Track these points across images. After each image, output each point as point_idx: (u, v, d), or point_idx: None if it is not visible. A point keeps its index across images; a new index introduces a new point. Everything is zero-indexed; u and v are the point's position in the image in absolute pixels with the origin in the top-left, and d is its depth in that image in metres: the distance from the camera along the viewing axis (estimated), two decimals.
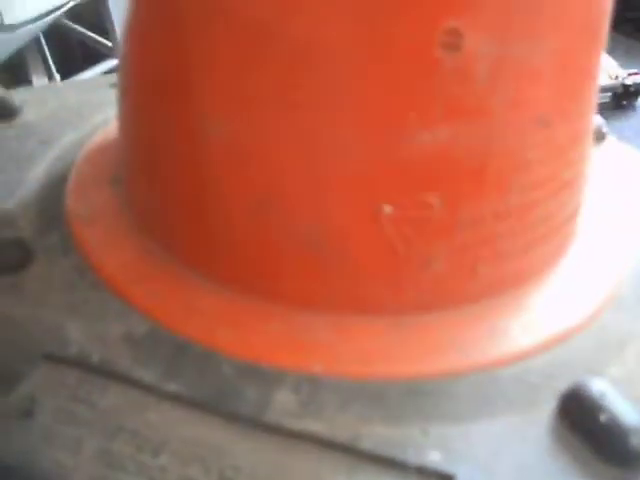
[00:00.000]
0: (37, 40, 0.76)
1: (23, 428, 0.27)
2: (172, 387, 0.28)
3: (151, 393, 0.28)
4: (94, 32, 0.98)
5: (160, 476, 0.26)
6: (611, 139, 0.47)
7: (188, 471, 0.26)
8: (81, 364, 0.29)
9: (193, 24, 0.29)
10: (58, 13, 0.75)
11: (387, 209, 0.28)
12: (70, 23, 0.78)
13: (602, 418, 0.26)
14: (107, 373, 0.29)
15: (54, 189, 0.39)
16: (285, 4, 0.27)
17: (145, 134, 0.34)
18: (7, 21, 0.69)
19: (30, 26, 0.71)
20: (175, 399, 0.28)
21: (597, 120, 0.48)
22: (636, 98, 1.42)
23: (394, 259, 0.29)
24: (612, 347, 0.31)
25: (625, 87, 1.40)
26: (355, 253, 0.29)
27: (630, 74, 1.42)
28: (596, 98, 0.34)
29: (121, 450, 0.26)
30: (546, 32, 0.28)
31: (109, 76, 0.59)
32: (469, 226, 0.29)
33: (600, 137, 0.46)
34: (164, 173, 0.33)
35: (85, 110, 0.48)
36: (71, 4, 0.75)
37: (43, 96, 0.49)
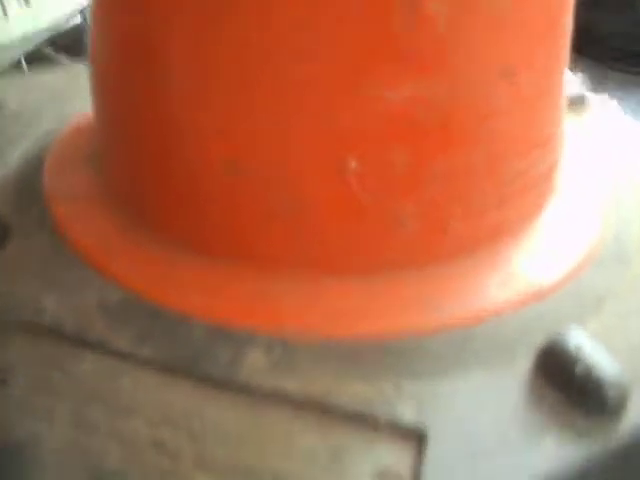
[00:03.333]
0: (17, 67, 0.76)
1: None
2: (145, 352, 0.28)
3: (124, 359, 0.28)
4: (75, 59, 0.98)
5: (130, 439, 0.26)
6: (594, 104, 0.47)
7: (159, 433, 0.26)
8: (55, 332, 0.29)
9: None
10: (41, 40, 0.75)
11: (352, 164, 0.28)
12: (51, 51, 0.78)
13: (578, 370, 0.26)
14: (81, 341, 0.29)
15: (32, 169, 0.39)
16: None
17: (112, 104, 0.34)
18: None
19: (10, 51, 0.71)
20: (148, 364, 0.28)
21: (578, 86, 0.48)
22: None
23: (362, 217, 0.29)
24: (590, 303, 0.31)
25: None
26: (323, 212, 0.29)
27: None
28: (567, 54, 0.33)
29: (94, 415, 0.26)
30: None
31: None
32: (437, 181, 0.29)
33: (581, 102, 0.46)
34: (132, 143, 0.33)
35: (67, 96, 0.48)
36: (54, 31, 0.76)
37: (25, 84, 0.50)
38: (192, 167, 0.30)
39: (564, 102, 0.35)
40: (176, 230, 0.32)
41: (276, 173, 0.29)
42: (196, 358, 0.28)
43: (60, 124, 0.44)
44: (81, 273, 0.32)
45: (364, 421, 0.26)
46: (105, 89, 0.34)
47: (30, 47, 0.73)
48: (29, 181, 0.38)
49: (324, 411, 0.26)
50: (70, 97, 0.48)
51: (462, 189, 0.30)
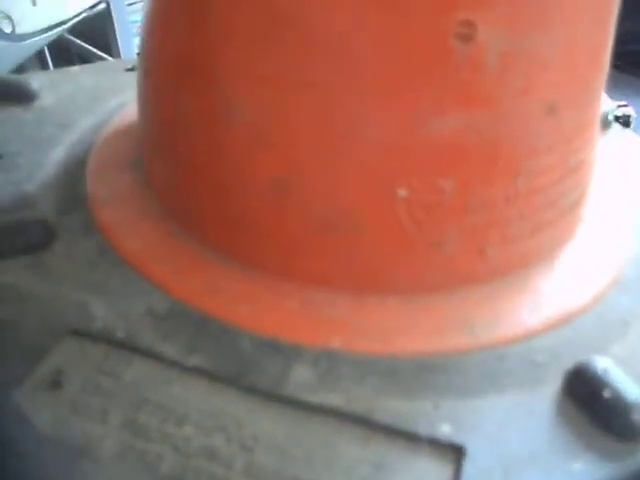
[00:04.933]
0: (39, 54, 0.77)
1: (52, 399, 0.28)
2: (194, 361, 0.29)
3: (173, 367, 0.29)
4: (96, 48, 0.99)
5: (184, 445, 0.27)
6: (617, 126, 0.49)
7: (211, 441, 0.27)
8: (106, 339, 0.30)
9: (214, 6, 0.30)
10: (65, 27, 0.76)
11: (402, 193, 0.29)
12: (72, 38, 0.79)
13: (606, 394, 0.27)
14: (131, 347, 0.30)
15: (74, 172, 0.40)
16: None
17: (166, 116, 0.35)
18: (19, 30, 0.70)
19: (38, 38, 0.72)
20: (196, 373, 0.29)
21: (604, 107, 0.49)
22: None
23: (406, 241, 0.30)
24: (615, 327, 0.32)
25: (616, 119, 1.40)
26: (370, 235, 0.30)
27: (619, 106, 1.42)
28: (603, 87, 0.35)
29: (146, 421, 0.28)
30: (555, 24, 0.29)
31: (124, 60, 0.60)
32: (479, 210, 0.30)
33: (606, 124, 0.48)
34: (184, 154, 0.34)
35: (101, 94, 0.48)
36: (80, 17, 0.76)
37: (59, 80, 0.50)
38: (244, 183, 0.31)
39: (598, 128, 0.36)
40: (224, 241, 0.33)
41: (326, 195, 0.30)
42: (244, 370, 0.29)
43: (96, 122, 0.44)
44: (127, 278, 0.33)
45: (405, 437, 0.27)
46: (159, 102, 0.35)
47: (55, 36, 0.74)
48: (72, 184, 0.39)
49: (366, 426, 0.27)
50: (104, 93, 0.49)
51: (501, 216, 0.31)
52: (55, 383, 0.29)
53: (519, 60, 0.29)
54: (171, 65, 0.33)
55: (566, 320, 0.32)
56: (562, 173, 0.33)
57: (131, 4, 1.16)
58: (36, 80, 0.49)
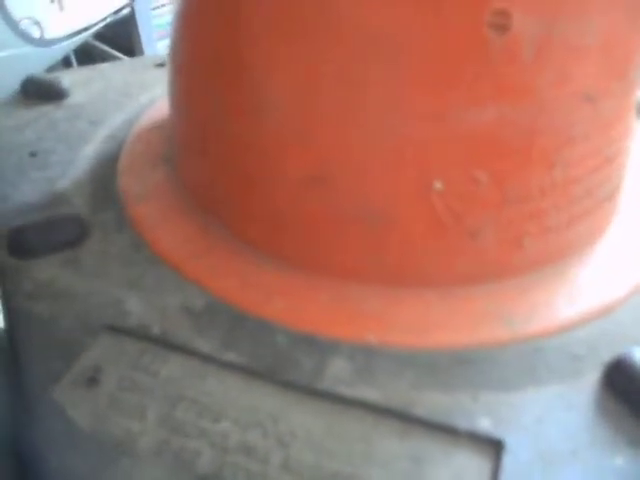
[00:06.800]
0: (65, 58, 0.77)
1: (90, 396, 0.28)
2: (230, 357, 0.29)
3: (210, 363, 0.29)
4: (120, 52, 0.99)
5: (221, 441, 0.27)
6: None
7: (248, 436, 0.27)
8: (142, 335, 0.30)
9: (245, 3, 0.30)
10: (91, 31, 0.76)
11: (437, 185, 0.29)
12: (97, 42, 0.79)
13: None
14: (167, 343, 0.30)
15: (106, 168, 0.40)
16: None
17: (199, 113, 0.35)
18: (47, 35, 0.70)
19: (65, 42, 0.72)
20: (233, 368, 0.29)
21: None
22: None
23: (442, 233, 0.30)
24: None
25: None
26: (405, 227, 0.30)
27: None
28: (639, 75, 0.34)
29: (183, 417, 0.28)
30: (592, 12, 0.28)
31: (153, 56, 0.60)
32: (515, 201, 0.30)
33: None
34: (217, 150, 0.34)
35: (131, 90, 0.49)
36: (105, 22, 0.77)
37: (90, 77, 0.51)
38: (279, 179, 0.31)
39: (635, 117, 0.36)
40: (259, 237, 0.33)
41: (361, 190, 0.30)
42: (279, 365, 0.29)
43: (129, 120, 0.45)
44: (162, 274, 0.33)
45: (443, 431, 0.27)
46: (192, 100, 0.35)
47: (82, 40, 0.75)
48: (104, 181, 0.39)
49: (404, 420, 0.27)
50: (132, 90, 0.49)
51: (538, 208, 0.31)
52: (92, 380, 0.29)
53: (555, 50, 0.28)
54: (203, 63, 0.33)
55: (604, 312, 0.32)
56: (598, 162, 0.32)
57: (155, 8, 1.17)
58: (67, 78, 0.49)
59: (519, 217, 0.31)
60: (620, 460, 0.26)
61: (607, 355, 0.29)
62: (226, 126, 0.33)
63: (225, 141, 0.33)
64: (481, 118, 0.28)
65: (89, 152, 0.42)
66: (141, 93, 0.48)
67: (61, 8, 0.71)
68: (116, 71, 0.52)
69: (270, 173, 0.32)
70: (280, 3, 0.29)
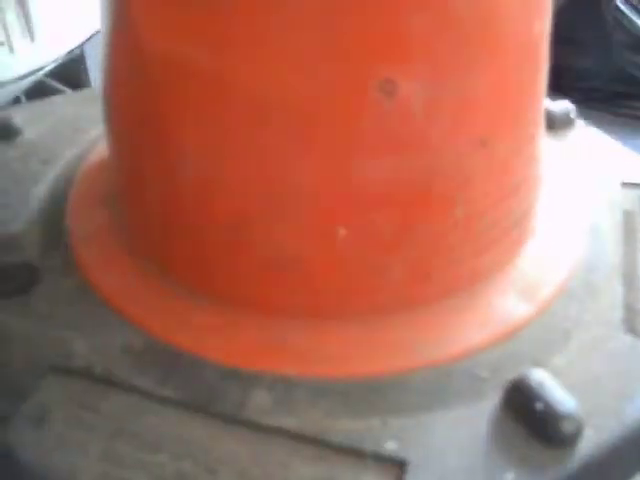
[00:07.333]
0: (16, 100, 0.78)
1: (37, 434, 0.31)
2: (166, 392, 0.32)
3: (148, 398, 0.32)
4: (71, 88, 0.99)
5: (158, 471, 0.30)
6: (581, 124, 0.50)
7: (181, 466, 0.30)
8: (86, 374, 0.33)
9: (161, 79, 0.32)
10: (42, 72, 0.77)
11: (341, 232, 0.32)
12: (49, 80, 0.80)
13: (538, 406, 0.30)
14: (109, 381, 0.33)
15: (56, 208, 0.42)
16: (237, 57, 0.30)
17: (128, 163, 0.37)
18: None
19: (15, 85, 0.72)
20: (169, 403, 0.32)
21: (566, 106, 0.51)
22: None
23: (350, 272, 0.33)
24: (558, 338, 0.34)
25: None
26: (315, 268, 0.33)
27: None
28: (541, 106, 0.36)
29: (123, 450, 0.30)
30: (477, 68, 0.31)
31: None
32: (420, 240, 0.33)
33: (568, 123, 0.49)
34: (146, 199, 0.37)
35: (83, 124, 0.50)
36: (55, 64, 0.77)
37: (41, 112, 0.52)
38: (201, 230, 0.34)
39: (539, 146, 0.38)
40: (190, 279, 0.36)
41: (273, 236, 0.33)
42: (209, 398, 0.32)
43: (80, 156, 0.47)
44: (105, 316, 0.36)
45: (354, 454, 0.30)
46: (122, 149, 0.38)
47: (32, 81, 0.75)
48: (55, 221, 0.41)
49: (319, 446, 0.30)
50: (85, 123, 0.50)
51: (443, 244, 0.34)
52: (40, 419, 0.31)
53: (446, 105, 0.31)
54: (129, 121, 0.36)
55: (510, 334, 0.34)
56: (500, 197, 0.35)
57: None
58: (19, 114, 0.51)
59: (425, 254, 0.33)
60: (510, 476, 0.29)
61: (510, 376, 0.31)
62: (152, 179, 0.36)
63: (151, 193, 0.36)
64: (378, 170, 0.31)
65: (40, 192, 0.44)
66: (93, 127, 0.49)
67: (11, 50, 0.72)
68: (68, 104, 0.53)
69: (193, 222, 0.34)
70: (186, 76, 0.31)
